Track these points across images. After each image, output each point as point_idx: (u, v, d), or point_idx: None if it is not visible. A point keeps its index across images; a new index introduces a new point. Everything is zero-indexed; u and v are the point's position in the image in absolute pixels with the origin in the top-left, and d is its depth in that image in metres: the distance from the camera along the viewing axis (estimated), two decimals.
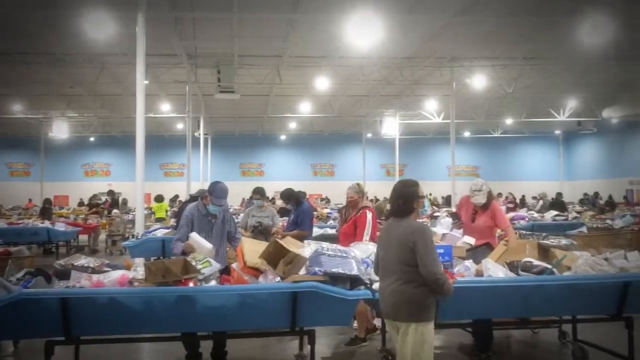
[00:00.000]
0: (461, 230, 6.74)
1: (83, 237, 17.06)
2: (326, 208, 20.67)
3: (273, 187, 24.76)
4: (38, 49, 16.58)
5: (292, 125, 33.53)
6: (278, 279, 4.73)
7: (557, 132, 37.59)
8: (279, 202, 14.10)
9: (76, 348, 5.01)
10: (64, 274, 4.76)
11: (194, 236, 5.60)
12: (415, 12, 13.53)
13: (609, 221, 12.73)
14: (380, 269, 4.22)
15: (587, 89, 22.98)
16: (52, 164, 35.29)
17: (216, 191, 5.92)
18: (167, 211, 18.75)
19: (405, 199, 4.14)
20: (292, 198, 8.48)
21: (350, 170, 36.59)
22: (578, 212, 17.07)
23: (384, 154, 36.01)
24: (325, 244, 5.16)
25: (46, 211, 16.47)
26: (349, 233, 6.51)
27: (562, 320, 6.19)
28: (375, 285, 4.78)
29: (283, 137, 37.31)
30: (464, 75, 20.13)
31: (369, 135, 34.64)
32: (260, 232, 8.09)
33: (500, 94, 22.65)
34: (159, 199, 18.48)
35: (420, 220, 8.94)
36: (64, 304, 4.34)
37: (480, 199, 6.38)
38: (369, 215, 6.51)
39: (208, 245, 5.49)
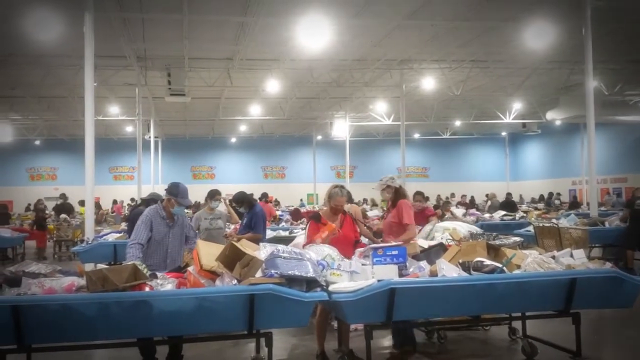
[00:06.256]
0: None
1: (30, 243, 16.58)
2: (277, 210, 20.64)
3: (224, 190, 24.50)
4: None
5: (243, 128, 33.41)
6: (235, 282, 4.72)
7: (504, 133, 38.45)
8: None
9: (28, 356, 4.91)
10: (15, 281, 4.63)
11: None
12: (364, 16, 13.70)
13: (554, 220, 13.10)
14: None
15: (531, 91, 23.64)
16: None
17: (181, 192, 5.89)
18: None
19: None
20: (245, 201, 8.44)
21: (301, 172, 36.69)
22: (525, 212, 17.54)
23: (334, 156, 36.17)
24: (280, 247, 5.18)
25: (2, 217, 15.96)
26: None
27: (512, 318, 6.38)
28: (332, 287, 4.83)
29: (234, 140, 37.05)
30: (414, 78, 20.43)
31: (319, 137, 34.78)
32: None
33: (448, 96, 23.05)
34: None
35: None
36: (16, 312, 4.23)
37: (380, 190, 6.76)
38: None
39: None
